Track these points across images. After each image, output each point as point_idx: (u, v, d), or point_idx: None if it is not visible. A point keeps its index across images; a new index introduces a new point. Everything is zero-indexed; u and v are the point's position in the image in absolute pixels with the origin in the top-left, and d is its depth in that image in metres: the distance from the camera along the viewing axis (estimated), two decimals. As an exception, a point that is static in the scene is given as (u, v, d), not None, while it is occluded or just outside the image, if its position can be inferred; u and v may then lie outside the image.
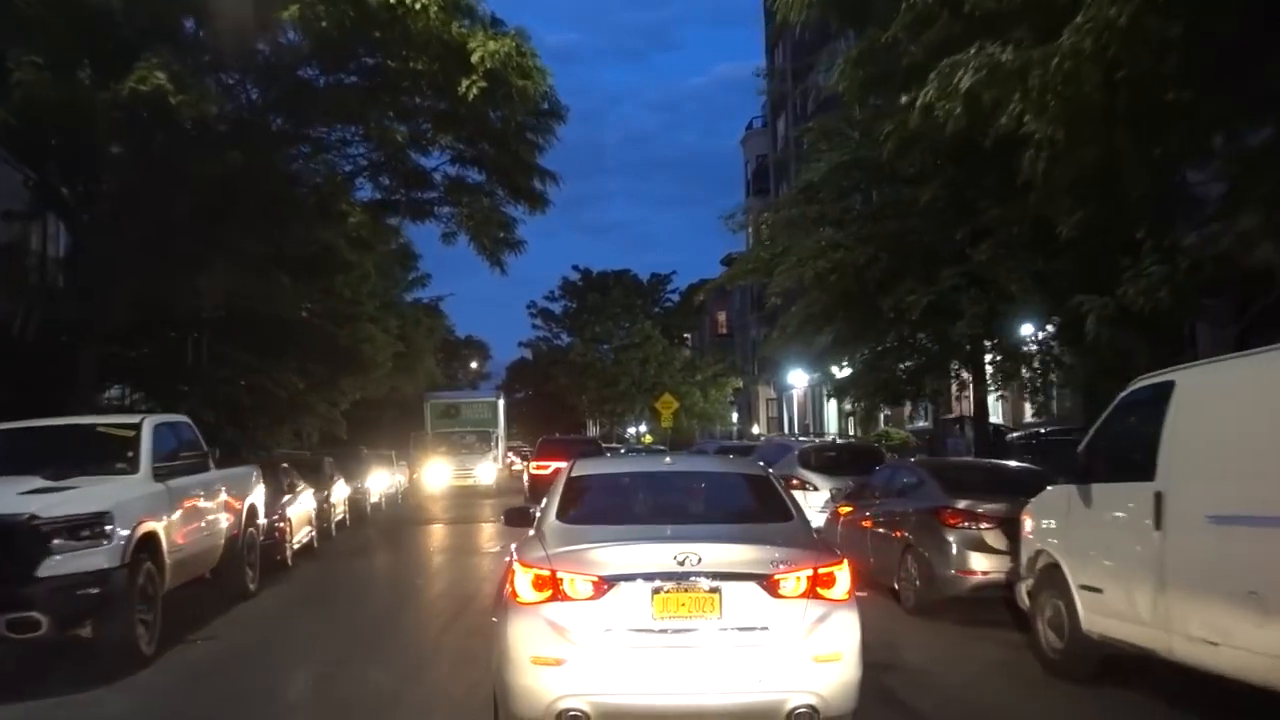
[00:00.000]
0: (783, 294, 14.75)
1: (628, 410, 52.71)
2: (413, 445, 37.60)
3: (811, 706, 4.95)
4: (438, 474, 34.25)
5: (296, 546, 15.23)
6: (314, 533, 16.95)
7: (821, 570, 5.14)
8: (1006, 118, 6.55)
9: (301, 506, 16.09)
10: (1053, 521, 7.54)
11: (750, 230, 25.62)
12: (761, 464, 8.15)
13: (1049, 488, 7.75)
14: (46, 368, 15.00)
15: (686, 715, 5.07)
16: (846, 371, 17.33)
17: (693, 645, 4.99)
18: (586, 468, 6.72)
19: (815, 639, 5.02)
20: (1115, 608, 6.51)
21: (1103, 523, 6.79)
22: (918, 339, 14.04)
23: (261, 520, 12.71)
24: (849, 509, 12.45)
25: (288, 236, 15.74)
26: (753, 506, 6.16)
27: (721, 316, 65.02)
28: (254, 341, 21.22)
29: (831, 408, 41.07)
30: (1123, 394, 6.89)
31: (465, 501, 30.72)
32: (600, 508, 6.04)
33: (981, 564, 9.39)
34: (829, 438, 35.23)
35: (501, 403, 39.81)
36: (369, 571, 15.69)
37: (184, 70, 11.37)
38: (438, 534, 22.10)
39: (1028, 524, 8.01)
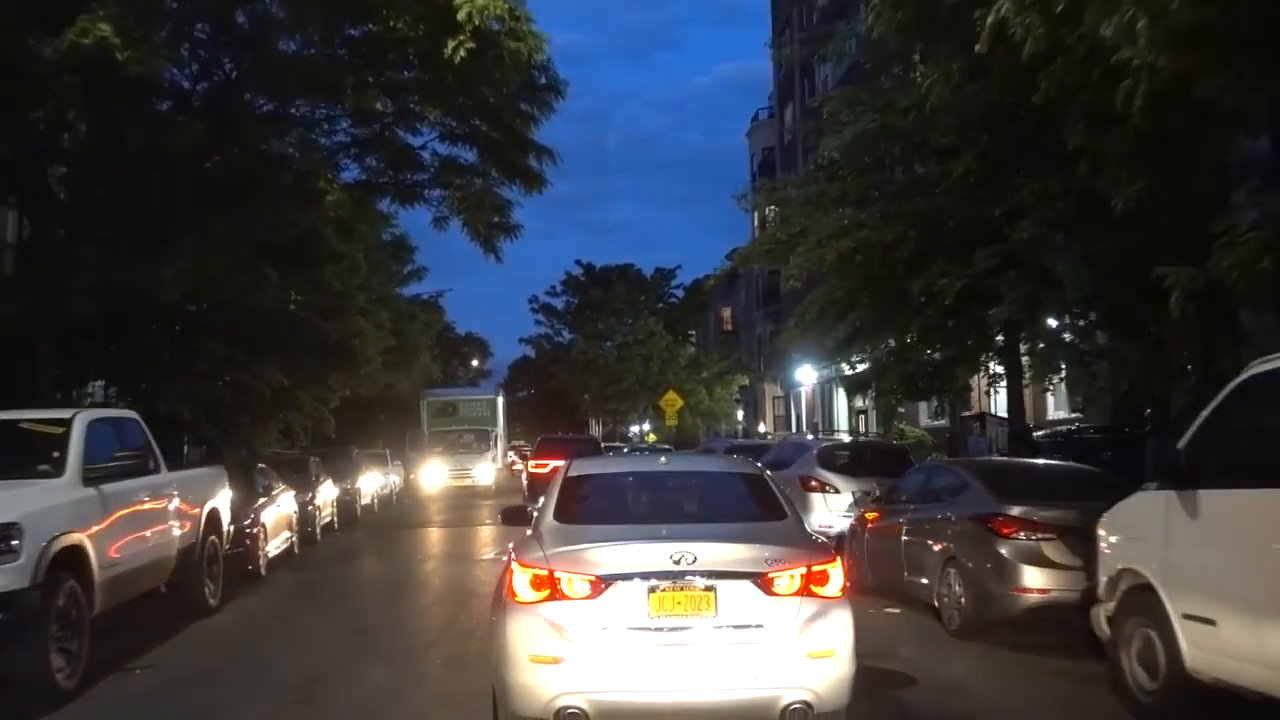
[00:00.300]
0: (801, 278, 13.42)
1: (631, 409, 51.29)
2: (408, 444, 36.35)
3: (806, 702, 4.99)
4: (434, 474, 32.99)
5: (273, 554, 14.04)
6: (294, 539, 15.77)
7: (815, 568, 5.18)
8: (1113, 28, 5.28)
9: (279, 510, 14.89)
10: (1143, 535, 6.28)
11: (756, 217, 24.37)
12: (759, 464, 7.94)
13: (1137, 493, 6.48)
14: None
15: (683, 712, 5.09)
16: (863, 366, 16.06)
17: (689, 643, 5.02)
18: (583, 468, 6.68)
19: (809, 636, 5.06)
20: (1235, 645, 5.27)
21: (1216, 538, 5.53)
22: (949, 327, 12.77)
23: (227, 527, 11.53)
24: (875, 515, 11.23)
25: (262, 218, 14.51)
26: (747, 505, 6.16)
27: (726, 313, 63.97)
28: (236, 335, 20.00)
29: (842, 405, 39.84)
30: (1239, 378, 5.63)
31: (462, 503, 29.55)
32: (597, 507, 6.05)
33: (1039, 581, 8.17)
34: (839, 436, 34.03)
35: (501, 400, 38.44)
36: (350, 581, 14.43)
37: (134, 24, 10.10)
38: (430, 538, 20.89)
39: (1106, 537, 6.77)
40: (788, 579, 5.09)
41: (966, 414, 24.86)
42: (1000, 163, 12.05)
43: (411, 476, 34.03)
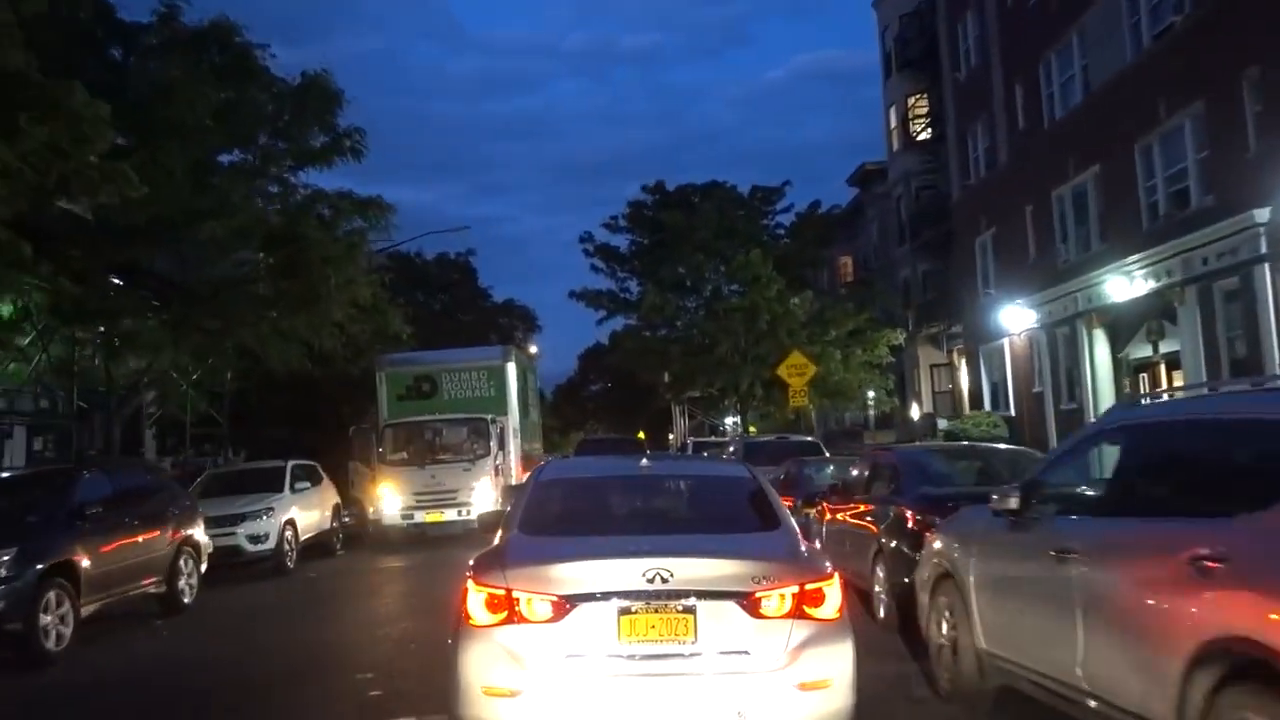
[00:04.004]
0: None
1: (729, 388, 35.14)
2: (355, 447, 21.68)
3: None
4: (388, 504, 18.30)
5: None
6: None
7: (809, 586, 4.76)
8: None
9: None
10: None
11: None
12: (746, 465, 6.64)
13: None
14: None
15: None
16: None
17: (664, 673, 4.59)
18: (556, 472, 6.51)
19: (801, 664, 4.62)
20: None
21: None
22: None
23: None
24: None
25: None
26: (735, 514, 5.61)
27: (846, 261, 48.76)
28: None
29: (1102, 358, 23.53)
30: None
31: (431, 564, 14.86)
32: (567, 517, 5.59)
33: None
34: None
35: (514, 369, 22.31)
36: None
37: None
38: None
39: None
40: (777, 599, 4.66)
41: None
42: None
43: (347, 507, 19.23)
